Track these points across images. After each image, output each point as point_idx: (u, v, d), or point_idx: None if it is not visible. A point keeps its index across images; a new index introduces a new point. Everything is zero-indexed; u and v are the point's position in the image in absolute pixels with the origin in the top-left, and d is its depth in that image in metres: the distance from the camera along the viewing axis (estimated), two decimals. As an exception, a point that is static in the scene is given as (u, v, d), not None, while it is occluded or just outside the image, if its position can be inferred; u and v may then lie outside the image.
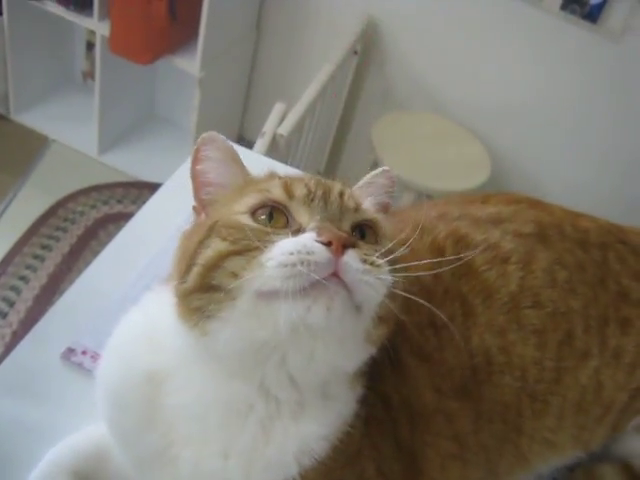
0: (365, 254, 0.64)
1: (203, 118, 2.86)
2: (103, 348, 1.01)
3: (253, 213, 0.67)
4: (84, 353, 1.00)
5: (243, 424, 0.70)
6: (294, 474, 0.69)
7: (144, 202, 1.29)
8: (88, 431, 0.90)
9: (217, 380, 0.70)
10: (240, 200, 0.70)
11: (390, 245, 0.69)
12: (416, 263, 0.72)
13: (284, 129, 2.01)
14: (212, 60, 2.73)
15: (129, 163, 3.13)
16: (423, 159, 2.59)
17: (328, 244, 0.61)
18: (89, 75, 3.35)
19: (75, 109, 3.27)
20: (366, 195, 0.77)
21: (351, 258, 0.62)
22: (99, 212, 2.80)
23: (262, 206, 0.68)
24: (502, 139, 2.81)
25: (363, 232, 0.70)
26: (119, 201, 2.88)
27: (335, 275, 0.61)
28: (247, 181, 0.74)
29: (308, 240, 0.62)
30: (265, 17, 3.03)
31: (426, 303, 0.67)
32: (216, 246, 0.66)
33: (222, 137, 0.74)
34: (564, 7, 2.47)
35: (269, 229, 0.65)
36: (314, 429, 0.70)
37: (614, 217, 1.02)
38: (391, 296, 0.65)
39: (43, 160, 3.05)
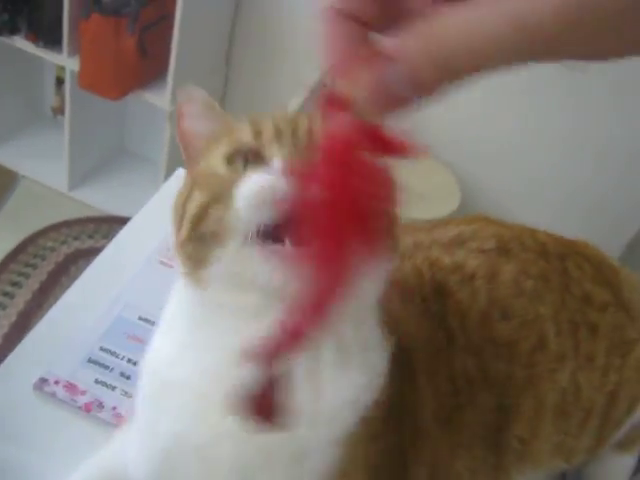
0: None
1: (174, 152, 2.84)
2: (76, 377, 1.01)
3: (228, 160, 0.68)
4: (57, 383, 0.99)
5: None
6: (353, 423, 0.69)
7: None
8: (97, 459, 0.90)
9: (233, 338, 0.67)
10: (216, 150, 0.70)
11: None
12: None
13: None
14: (182, 94, 2.74)
15: (100, 198, 3.12)
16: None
17: (291, 174, 0.61)
18: (59, 111, 3.34)
19: (45, 145, 3.26)
20: None
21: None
22: (70, 247, 2.78)
23: (235, 152, 0.68)
24: (471, 167, 2.85)
25: None
26: (90, 236, 2.86)
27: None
28: (227, 130, 0.73)
29: (270, 172, 0.62)
30: (235, 51, 3.05)
31: None
32: (197, 198, 0.67)
33: (200, 91, 0.74)
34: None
35: (242, 172, 0.65)
36: (362, 378, 0.70)
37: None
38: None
39: (13, 196, 3.03)
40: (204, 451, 0.71)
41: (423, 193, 2.64)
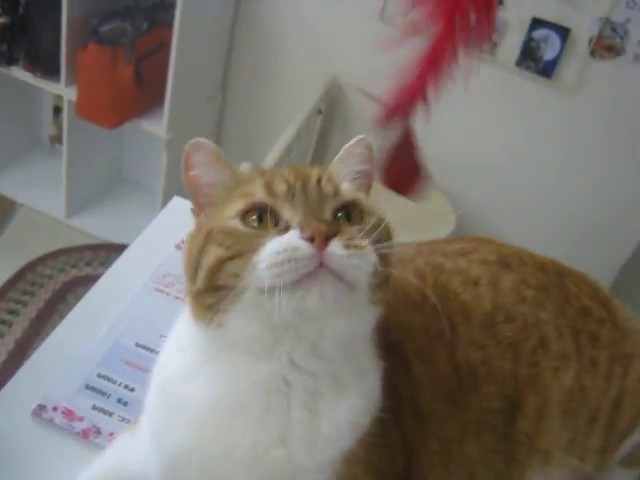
0: (348, 239, 0.69)
1: (171, 180, 2.88)
2: (74, 404, 1.02)
3: (243, 217, 0.73)
4: (55, 409, 1.01)
5: (288, 407, 0.74)
6: (350, 446, 0.75)
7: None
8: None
9: (245, 368, 0.74)
10: (230, 205, 0.75)
11: (374, 220, 0.76)
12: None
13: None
14: (179, 122, 2.77)
15: (97, 226, 3.13)
16: (388, 214, 2.62)
17: (311, 239, 0.66)
18: (56, 139, 3.37)
19: (43, 173, 3.29)
20: (345, 168, 0.81)
21: (334, 247, 0.67)
22: (67, 275, 2.79)
23: (250, 209, 0.73)
24: (463, 192, 2.87)
25: (348, 213, 0.75)
26: (88, 264, 2.87)
27: (322, 265, 0.66)
28: (236, 180, 0.79)
29: (292, 238, 0.68)
30: (231, 78, 3.09)
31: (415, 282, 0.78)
32: (214, 252, 0.72)
33: (207, 141, 0.78)
34: (519, 63, 2.56)
35: (259, 231, 0.71)
36: (359, 402, 0.76)
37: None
38: (382, 264, 0.72)
39: (11, 225, 3.05)
40: (213, 466, 0.75)
41: (418, 218, 2.66)
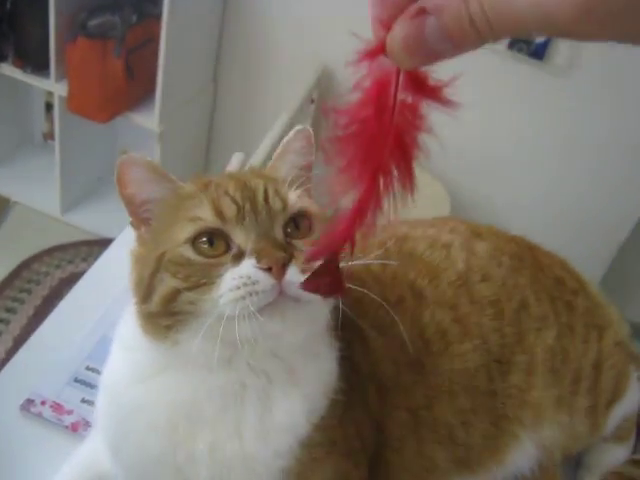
0: (304, 263, 0.68)
1: (164, 172, 2.85)
2: (62, 397, 1.01)
3: (193, 242, 0.70)
4: (43, 403, 1.00)
5: (242, 404, 0.74)
6: (306, 432, 0.75)
7: (109, 259, 1.31)
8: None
9: (200, 378, 0.74)
10: (177, 228, 0.72)
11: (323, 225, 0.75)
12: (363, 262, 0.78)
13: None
14: (171, 114, 2.76)
15: (93, 221, 3.12)
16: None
17: (269, 269, 0.66)
18: (49, 136, 3.36)
19: (36, 170, 3.27)
20: (287, 164, 0.81)
21: (292, 275, 0.67)
22: (64, 272, 2.79)
23: (200, 234, 0.71)
24: (458, 178, 2.86)
25: (297, 223, 0.74)
26: (84, 259, 2.87)
27: (282, 293, 0.66)
28: (177, 194, 0.76)
29: (250, 270, 0.67)
30: (222, 69, 3.07)
31: (359, 288, 0.74)
32: (169, 282, 0.70)
33: (141, 156, 0.75)
34: (511, 46, 2.54)
35: (213, 260, 0.69)
36: (313, 387, 0.76)
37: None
38: None
39: (5, 222, 3.04)
40: (182, 468, 0.75)
41: (413, 204, 2.65)
